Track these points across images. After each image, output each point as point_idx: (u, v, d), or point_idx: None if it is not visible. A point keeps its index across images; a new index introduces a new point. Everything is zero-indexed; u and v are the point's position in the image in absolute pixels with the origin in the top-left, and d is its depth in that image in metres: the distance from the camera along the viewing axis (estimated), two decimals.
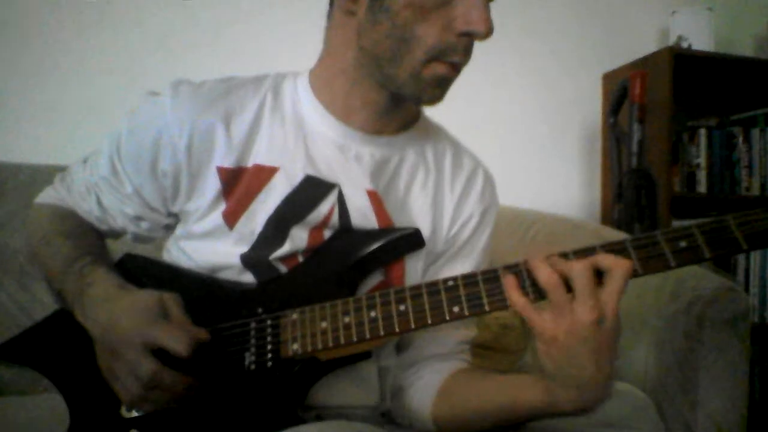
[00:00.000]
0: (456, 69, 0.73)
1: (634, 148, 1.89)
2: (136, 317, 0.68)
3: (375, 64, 0.73)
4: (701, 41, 2.10)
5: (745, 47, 2.39)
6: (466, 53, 0.72)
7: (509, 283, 0.64)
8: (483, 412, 0.75)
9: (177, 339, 0.66)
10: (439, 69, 0.71)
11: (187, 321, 0.69)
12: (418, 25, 0.69)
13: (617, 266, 0.60)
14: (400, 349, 0.86)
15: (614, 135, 1.97)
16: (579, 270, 0.60)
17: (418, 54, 0.70)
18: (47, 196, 0.90)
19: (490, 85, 2.09)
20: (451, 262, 0.85)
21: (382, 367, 0.84)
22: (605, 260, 0.61)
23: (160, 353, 0.67)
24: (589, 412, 0.65)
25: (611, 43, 2.25)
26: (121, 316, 0.69)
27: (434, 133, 0.88)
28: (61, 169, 0.92)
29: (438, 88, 0.73)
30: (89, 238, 0.84)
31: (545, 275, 0.61)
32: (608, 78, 2.22)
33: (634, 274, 0.63)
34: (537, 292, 0.64)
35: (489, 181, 0.89)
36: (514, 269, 0.65)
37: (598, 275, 0.62)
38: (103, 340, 0.70)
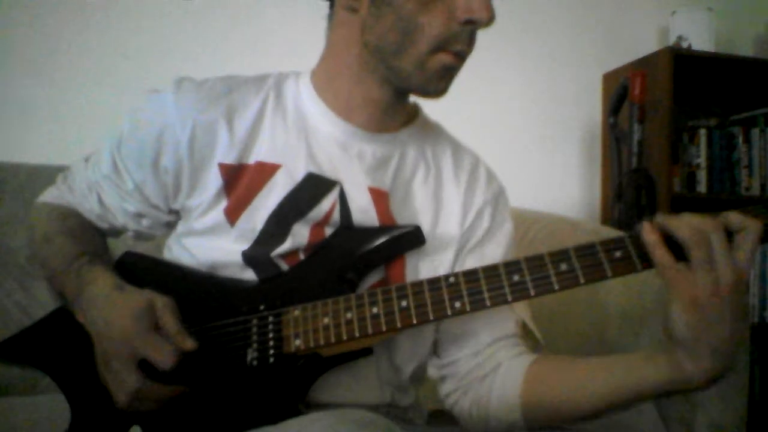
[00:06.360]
0: (460, 58, 0.73)
1: (634, 148, 1.89)
2: (125, 324, 0.68)
3: (379, 58, 0.74)
4: (701, 41, 2.11)
5: (745, 47, 2.39)
6: (470, 42, 0.73)
7: (653, 240, 0.61)
8: (591, 396, 0.71)
9: (160, 351, 0.67)
10: (444, 59, 0.72)
11: (177, 328, 0.69)
12: (422, 16, 0.70)
13: (750, 225, 0.59)
14: (452, 341, 0.82)
15: (614, 135, 1.97)
16: (715, 227, 0.59)
17: (423, 45, 0.71)
18: (49, 195, 0.90)
19: (490, 85, 2.09)
20: (480, 247, 0.84)
21: (395, 365, 0.82)
22: (736, 219, 0.60)
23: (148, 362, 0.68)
24: (717, 383, 0.62)
25: (611, 43, 2.26)
26: (112, 321, 0.69)
27: (433, 131, 0.88)
28: (62, 169, 0.92)
29: (443, 80, 0.74)
30: (90, 237, 0.85)
31: (688, 231, 0.59)
32: (608, 78, 2.22)
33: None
34: (646, 261, 0.62)
35: (491, 173, 0.90)
36: (620, 242, 0.63)
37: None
38: (98, 342, 0.71)
